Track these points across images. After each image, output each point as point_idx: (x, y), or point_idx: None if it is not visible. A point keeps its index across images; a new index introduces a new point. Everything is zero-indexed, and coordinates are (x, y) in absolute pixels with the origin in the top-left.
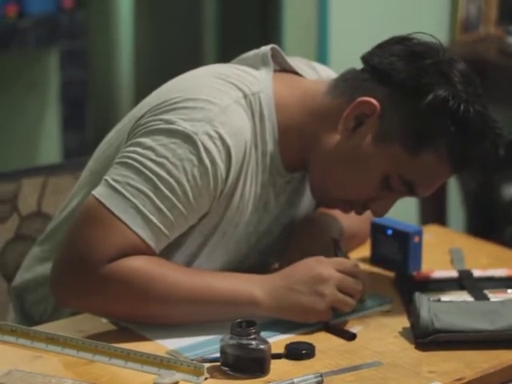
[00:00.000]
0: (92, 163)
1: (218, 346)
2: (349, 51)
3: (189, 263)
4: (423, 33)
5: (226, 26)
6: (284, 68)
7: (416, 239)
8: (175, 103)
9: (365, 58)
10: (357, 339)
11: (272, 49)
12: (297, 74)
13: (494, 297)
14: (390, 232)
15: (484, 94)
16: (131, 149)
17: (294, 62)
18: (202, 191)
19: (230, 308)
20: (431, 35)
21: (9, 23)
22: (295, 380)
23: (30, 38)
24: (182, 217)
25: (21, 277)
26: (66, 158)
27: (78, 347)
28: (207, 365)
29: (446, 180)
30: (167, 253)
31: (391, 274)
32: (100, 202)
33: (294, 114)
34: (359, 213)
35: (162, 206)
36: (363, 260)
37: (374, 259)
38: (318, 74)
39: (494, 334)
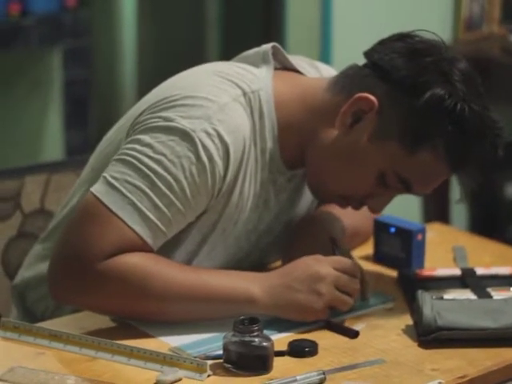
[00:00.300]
0: (92, 160)
1: (220, 343)
2: (352, 50)
3: (189, 261)
4: (426, 30)
5: (229, 25)
6: (285, 66)
7: (419, 237)
8: (174, 101)
9: (366, 54)
10: (360, 337)
11: (273, 47)
12: (298, 72)
13: (497, 295)
14: (393, 230)
15: (487, 92)
16: (130, 146)
17: (296, 60)
18: (199, 188)
19: (228, 306)
20: (433, 33)
21: (12, 22)
22: (298, 377)
23: (34, 36)
24: (180, 214)
25: (22, 275)
26: (68, 155)
27: (80, 344)
28: (210, 362)
29: (444, 179)
30: (167, 251)
31: (394, 272)
32: (98, 199)
33: (293, 111)
34: (356, 208)
35: (159, 203)
36: (366, 258)
37: (377, 257)
38: (320, 73)
39: (496, 331)
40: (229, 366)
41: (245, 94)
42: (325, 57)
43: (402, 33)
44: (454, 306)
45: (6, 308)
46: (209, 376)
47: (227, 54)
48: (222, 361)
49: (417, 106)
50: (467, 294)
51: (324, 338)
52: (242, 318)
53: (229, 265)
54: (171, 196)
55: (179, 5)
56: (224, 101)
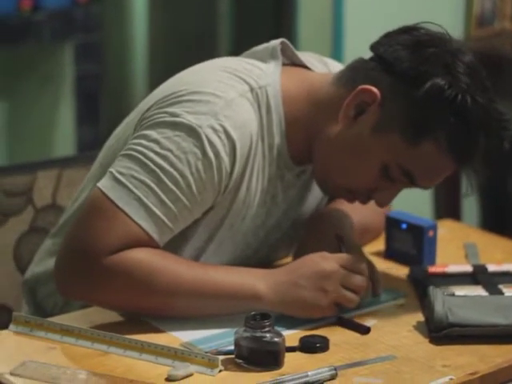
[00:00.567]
0: (101, 156)
1: (232, 339)
2: (363, 47)
3: (197, 257)
4: (432, 22)
5: (241, 21)
6: (294, 62)
7: (431, 233)
8: (181, 96)
9: (372, 47)
10: (371, 333)
11: (282, 43)
12: (307, 68)
13: (509, 291)
14: (404, 226)
15: (498, 88)
16: (136, 141)
17: (305, 56)
18: (206, 184)
19: (233, 302)
20: (439, 25)
21: (24, 17)
22: (309, 373)
23: (45, 32)
24: (186, 209)
25: (32, 270)
26: (80, 151)
27: (92, 339)
28: (221, 357)
29: (451, 173)
30: (175, 246)
31: (405, 269)
32: (104, 194)
33: (300, 106)
34: (363, 202)
35: (165, 199)
36: (378, 254)
37: (389, 253)
38: (329, 69)
39: (508, 328)
40: (240, 361)
41: (252, 89)
42: (336, 53)
43: (407, 25)
44: (465, 303)
45: (18, 303)
46: (220, 371)
47: (239, 49)
48: (233, 356)
49: (417, 96)
50: (478, 291)
51: (335, 334)
52: (253, 313)
53: (237, 261)
54: (177, 192)
55: (191, 0)
56: (231, 96)
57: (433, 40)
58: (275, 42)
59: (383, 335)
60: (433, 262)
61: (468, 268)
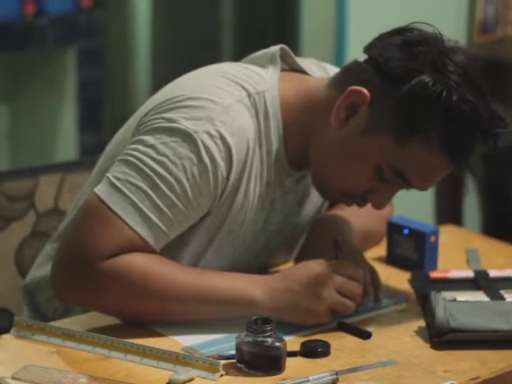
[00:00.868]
0: (101, 161)
1: (233, 343)
2: None
3: (196, 262)
4: (425, 23)
5: (244, 26)
6: (293, 68)
7: (432, 239)
8: (178, 102)
9: (365, 49)
10: (372, 338)
11: (281, 49)
12: (306, 74)
13: (510, 297)
14: (406, 231)
15: (502, 94)
16: (133, 146)
17: (305, 62)
18: (201, 190)
19: (229, 307)
20: (432, 25)
21: (27, 22)
22: (310, 378)
23: (48, 37)
24: (182, 215)
25: (32, 275)
26: (82, 155)
27: (93, 343)
28: (223, 362)
29: (448, 173)
30: (173, 251)
31: (407, 274)
32: (100, 199)
33: (297, 110)
34: (360, 205)
35: (160, 204)
36: (379, 259)
37: (390, 258)
38: (328, 74)
39: (509, 333)
40: (241, 365)
41: (249, 95)
42: (339, 57)
43: (401, 27)
44: (466, 308)
45: (20, 307)
46: (221, 376)
47: (241, 55)
48: (234, 361)
49: (402, 93)
50: (480, 296)
51: (336, 339)
52: (255, 318)
53: (237, 266)
54: (173, 197)
55: (193, 5)
56: (227, 102)
57: (424, 40)
58: (274, 48)
59: (384, 340)
60: (434, 268)
61: (469, 273)
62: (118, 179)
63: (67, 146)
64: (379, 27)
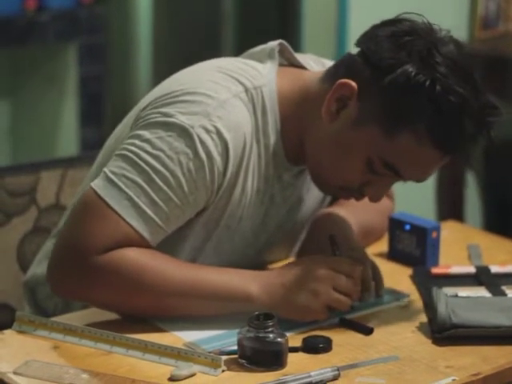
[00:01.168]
0: (100, 155)
1: (235, 339)
2: None
3: (195, 257)
4: (415, 13)
5: (245, 21)
6: (292, 63)
7: (434, 234)
8: (175, 96)
9: (356, 41)
10: (374, 333)
11: (280, 44)
12: (304, 69)
13: None
14: (407, 227)
15: (503, 90)
16: (130, 141)
17: (304, 58)
18: (197, 184)
19: (225, 303)
20: (422, 15)
21: (28, 17)
22: (312, 373)
23: (49, 32)
24: (178, 209)
25: (32, 271)
26: (83, 151)
27: (95, 338)
28: (224, 357)
29: (440, 164)
30: (171, 247)
31: (409, 269)
32: (96, 193)
33: (294, 105)
34: (357, 199)
35: (156, 198)
36: (381, 255)
37: (392, 254)
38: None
39: (511, 329)
40: (243, 361)
41: (247, 90)
42: (341, 53)
43: (393, 18)
44: (468, 304)
45: (21, 302)
46: (223, 371)
47: (242, 51)
48: (236, 356)
49: (386, 84)
50: (482, 292)
51: (338, 335)
52: (256, 313)
53: (237, 261)
54: (168, 191)
55: (194, 2)
56: (224, 97)
57: (413, 31)
58: (273, 44)
59: (386, 336)
60: (436, 263)
61: (471, 269)
62: (114, 174)
63: (68, 141)
64: (380, 21)
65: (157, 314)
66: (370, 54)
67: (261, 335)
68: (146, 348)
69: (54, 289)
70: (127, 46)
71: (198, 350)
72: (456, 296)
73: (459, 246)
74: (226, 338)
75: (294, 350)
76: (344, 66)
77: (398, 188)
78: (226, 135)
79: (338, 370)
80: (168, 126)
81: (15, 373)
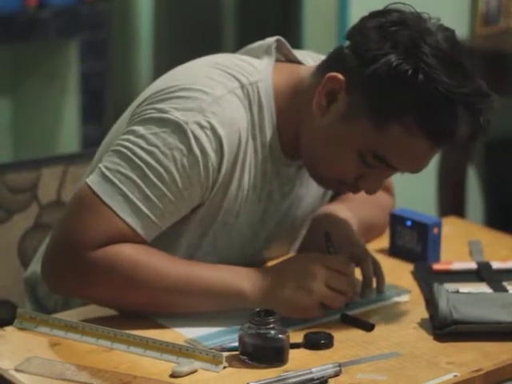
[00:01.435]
0: (98, 152)
1: (236, 335)
2: None
3: (192, 254)
4: (403, 3)
5: (246, 17)
6: (289, 59)
7: (435, 230)
8: (170, 92)
9: (346, 34)
10: (375, 330)
11: (277, 40)
12: (302, 65)
13: None
14: (409, 223)
15: (504, 86)
16: (125, 137)
17: (302, 54)
18: (192, 180)
19: (218, 300)
20: (409, 5)
21: (29, 14)
22: (313, 369)
23: (51, 29)
24: (172, 205)
25: (32, 268)
26: (84, 147)
27: (97, 335)
28: (226, 354)
29: (433, 155)
30: (168, 243)
31: (410, 265)
32: (90, 189)
33: (289, 100)
34: (354, 192)
35: (150, 194)
36: (382, 251)
37: (393, 250)
38: None
39: None
40: (244, 357)
41: (242, 86)
42: None
43: (382, 9)
44: (469, 300)
45: (23, 299)
46: (224, 368)
47: (243, 47)
48: (237, 353)
49: (369, 75)
50: (483, 288)
51: (339, 331)
52: (257, 310)
53: (236, 258)
54: (162, 187)
55: None
56: (219, 93)
57: (402, 21)
58: (270, 40)
59: (387, 332)
60: (437, 259)
61: (472, 265)
62: (109, 169)
63: (70, 137)
64: None
65: (152, 310)
66: (358, 45)
67: (262, 331)
68: (148, 345)
69: (49, 285)
70: (128, 43)
71: (200, 346)
72: (457, 292)
73: (460, 241)
74: (227, 335)
75: (296, 346)
76: (334, 59)
77: (399, 184)
78: (220, 131)
79: (339, 366)
80: (162, 122)
81: (16, 369)
